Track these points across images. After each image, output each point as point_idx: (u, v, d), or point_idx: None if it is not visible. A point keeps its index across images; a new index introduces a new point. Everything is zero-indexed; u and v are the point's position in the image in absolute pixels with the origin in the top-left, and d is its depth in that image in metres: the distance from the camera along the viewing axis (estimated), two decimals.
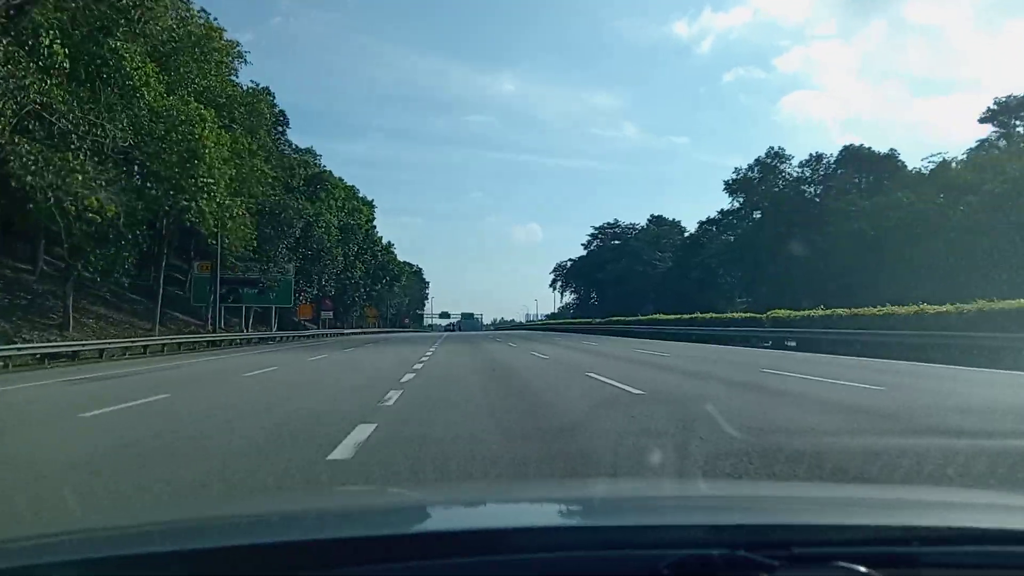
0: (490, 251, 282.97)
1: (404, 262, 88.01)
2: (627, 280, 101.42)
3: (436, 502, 2.09)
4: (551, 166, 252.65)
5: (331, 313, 59.23)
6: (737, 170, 72.49)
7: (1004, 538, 1.31)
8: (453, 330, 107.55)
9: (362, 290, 67.79)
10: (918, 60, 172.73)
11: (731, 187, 73.60)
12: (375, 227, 75.03)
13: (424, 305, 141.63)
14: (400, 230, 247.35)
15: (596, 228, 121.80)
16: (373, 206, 74.66)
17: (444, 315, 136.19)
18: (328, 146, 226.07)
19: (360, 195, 71.76)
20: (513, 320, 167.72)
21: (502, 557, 1.18)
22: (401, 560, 1.17)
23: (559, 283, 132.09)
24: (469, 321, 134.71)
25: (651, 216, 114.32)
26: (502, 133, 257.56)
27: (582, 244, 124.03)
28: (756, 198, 70.97)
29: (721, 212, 77.62)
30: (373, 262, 71.04)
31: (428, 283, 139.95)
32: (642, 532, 1.38)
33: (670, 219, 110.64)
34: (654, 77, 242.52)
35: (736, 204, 74.91)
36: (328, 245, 50.48)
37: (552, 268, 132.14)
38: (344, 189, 63.96)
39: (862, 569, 1.10)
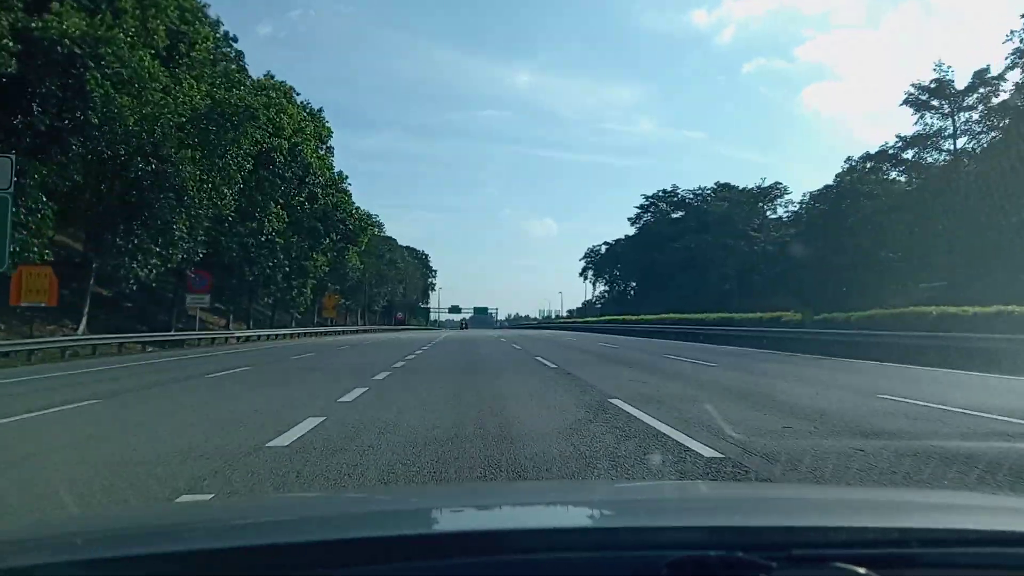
0: (504, 246, 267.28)
1: (368, 213, 57.33)
2: (702, 261, 72.51)
3: (435, 503, 2.03)
4: (567, 160, 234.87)
5: (206, 297, 30.34)
6: (938, 66, 43.06)
7: (1002, 540, 1.29)
8: (465, 327, 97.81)
9: (280, 255, 35.36)
10: (947, 48, 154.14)
11: (916, 99, 44.18)
12: (332, 162, 45.24)
13: (429, 297, 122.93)
14: (416, 225, 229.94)
15: (648, 197, 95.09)
16: (327, 125, 44.84)
17: (455, 309, 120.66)
18: (344, 140, 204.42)
19: (309, 105, 42.41)
20: (528, 316, 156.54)
21: (500, 558, 1.15)
22: (401, 560, 1.15)
23: (590, 272, 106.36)
24: (481, 317, 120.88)
25: (716, 183, 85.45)
26: (517, 127, 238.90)
27: (628, 219, 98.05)
28: (974, 109, 41.25)
29: (901, 138, 46.66)
30: (307, 207, 38.93)
31: (435, 271, 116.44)
32: (640, 533, 1.35)
33: (739, 187, 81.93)
34: (672, 69, 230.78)
35: (926, 126, 44.44)
36: (155, 137, 21.63)
37: (582, 254, 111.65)
38: (211, 33, 31.75)
39: (861, 570, 1.08)
